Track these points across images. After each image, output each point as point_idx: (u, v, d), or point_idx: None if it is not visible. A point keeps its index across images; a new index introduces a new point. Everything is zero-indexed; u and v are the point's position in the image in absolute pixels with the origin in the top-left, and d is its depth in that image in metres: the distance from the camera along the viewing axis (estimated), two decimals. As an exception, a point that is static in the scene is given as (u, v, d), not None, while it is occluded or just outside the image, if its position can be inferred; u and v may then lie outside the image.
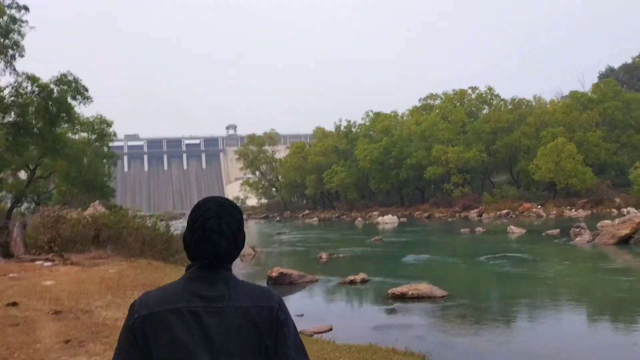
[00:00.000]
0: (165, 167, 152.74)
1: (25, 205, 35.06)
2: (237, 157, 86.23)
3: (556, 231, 27.68)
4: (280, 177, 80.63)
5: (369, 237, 30.76)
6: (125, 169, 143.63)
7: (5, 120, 24.50)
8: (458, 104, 61.75)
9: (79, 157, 32.29)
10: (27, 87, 24.41)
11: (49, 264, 15.25)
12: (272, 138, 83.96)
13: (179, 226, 22.40)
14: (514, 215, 45.01)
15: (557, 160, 46.58)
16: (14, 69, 23.86)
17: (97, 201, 27.54)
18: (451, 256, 22.04)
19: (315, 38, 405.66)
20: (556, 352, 8.80)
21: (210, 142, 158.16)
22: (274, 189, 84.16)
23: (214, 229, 1.80)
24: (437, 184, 60.50)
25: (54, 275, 12.80)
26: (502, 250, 21.38)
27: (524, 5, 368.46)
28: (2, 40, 22.82)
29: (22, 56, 23.86)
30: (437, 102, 65.33)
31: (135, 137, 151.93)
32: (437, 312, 11.62)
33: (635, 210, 34.54)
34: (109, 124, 38.58)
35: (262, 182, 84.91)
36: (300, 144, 77.94)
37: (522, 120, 55.71)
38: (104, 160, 41.08)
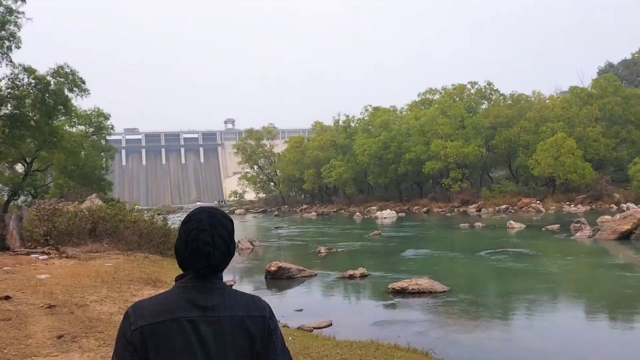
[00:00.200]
0: (164, 161, 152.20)
1: (22, 198, 34.88)
2: (235, 151, 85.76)
3: (556, 226, 27.53)
4: (278, 171, 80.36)
5: (368, 231, 30.59)
6: (124, 163, 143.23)
7: (2, 113, 24.30)
8: (457, 98, 61.47)
9: (76, 150, 32.10)
10: (23, 79, 24.25)
11: (45, 257, 15.07)
12: (270, 132, 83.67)
13: (176, 220, 22.23)
14: (512, 211, 44.85)
15: (557, 155, 46.37)
16: (11, 61, 23.69)
17: (94, 194, 27.33)
18: (451, 251, 21.87)
19: (316, 33, 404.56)
20: (560, 348, 8.66)
21: (209, 136, 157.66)
22: (272, 184, 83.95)
23: (208, 241, 1.84)
24: (435, 179, 60.30)
25: (49, 269, 12.61)
26: (503, 246, 21.24)
27: (522, 1, 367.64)
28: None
29: (18, 48, 23.66)
30: (436, 97, 65.08)
31: (134, 130, 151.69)
32: (438, 308, 11.46)
33: (635, 206, 34.41)
34: (107, 117, 38.41)
35: (260, 177, 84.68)
36: (298, 139, 77.64)
37: (522, 115, 55.45)
38: (102, 154, 40.88)
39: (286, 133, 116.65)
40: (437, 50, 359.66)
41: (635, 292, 12.74)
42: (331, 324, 9.94)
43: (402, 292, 12.78)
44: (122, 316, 1.86)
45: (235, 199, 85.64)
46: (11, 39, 23.20)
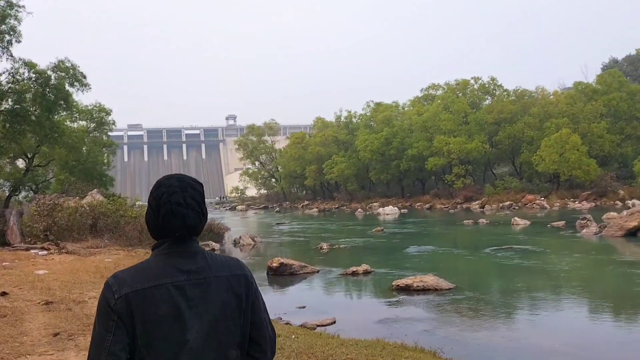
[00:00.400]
0: (165, 157, 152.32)
1: (23, 193, 34.69)
2: (237, 147, 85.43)
3: (561, 223, 27.26)
4: (279, 167, 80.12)
5: (370, 227, 30.36)
6: (125, 159, 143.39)
7: (2, 107, 24.11)
8: (460, 94, 61.16)
9: (78, 145, 31.86)
10: (24, 74, 24.09)
11: (44, 252, 14.89)
12: (271, 128, 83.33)
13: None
14: (516, 207, 44.58)
15: (561, 151, 46.07)
16: (11, 55, 23.52)
17: (95, 190, 27.13)
18: (455, 248, 21.64)
19: (318, 28, 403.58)
20: (569, 347, 8.44)
21: (210, 132, 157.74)
22: (273, 180, 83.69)
23: (180, 202, 1.81)
24: (438, 175, 59.99)
25: (48, 264, 12.41)
26: (508, 242, 20.98)
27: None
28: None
29: (19, 42, 23.50)
30: (439, 92, 64.74)
31: (137, 127, 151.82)
32: (444, 305, 11.22)
33: (640, 203, 34.13)
34: (108, 112, 38.13)
35: (262, 173, 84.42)
36: (300, 135, 77.33)
37: (526, 111, 55.08)
38: (103, 149, 40.63)
39: (287, 129, 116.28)
40: (439, 47, 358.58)
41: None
42: (335, 322, 9.70)
43: (407, 289, 12.55)
44: None
45: (236, 195, 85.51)
46: (11, 32, 23.02)
